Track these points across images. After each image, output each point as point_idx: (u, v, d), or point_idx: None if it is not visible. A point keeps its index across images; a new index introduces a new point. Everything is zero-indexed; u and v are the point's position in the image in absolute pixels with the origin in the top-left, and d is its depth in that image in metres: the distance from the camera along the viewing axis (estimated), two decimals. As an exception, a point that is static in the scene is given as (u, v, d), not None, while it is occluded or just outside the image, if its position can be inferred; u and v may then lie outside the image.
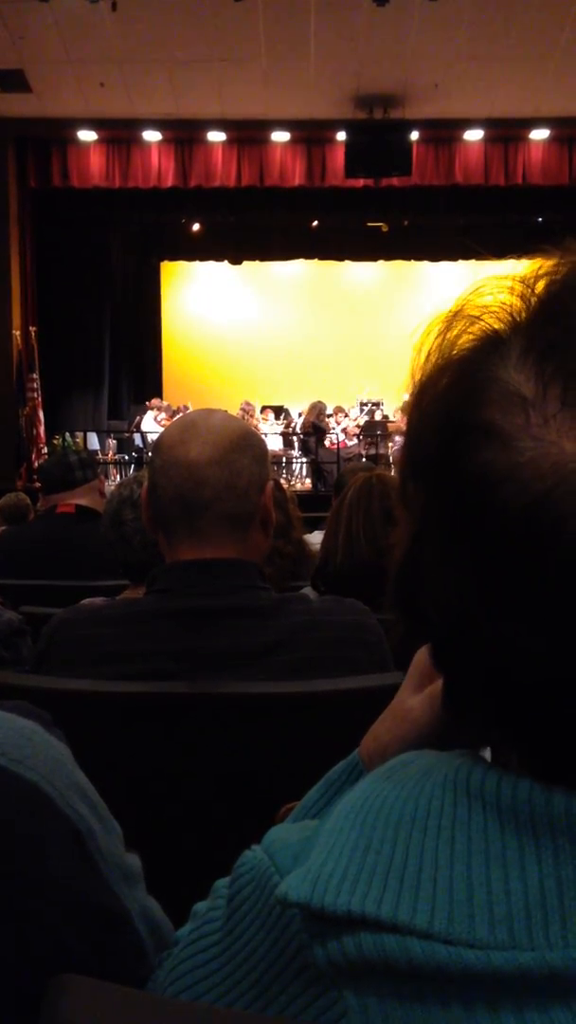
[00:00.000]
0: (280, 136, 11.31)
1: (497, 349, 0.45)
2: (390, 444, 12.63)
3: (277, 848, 0.52)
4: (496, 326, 0.47)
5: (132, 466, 12.07)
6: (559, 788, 0.43)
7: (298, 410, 13.45)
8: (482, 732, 0.51)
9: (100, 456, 11.83)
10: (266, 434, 11.59)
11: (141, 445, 12.48)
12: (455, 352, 0.48)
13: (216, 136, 11.28)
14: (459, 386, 0.46)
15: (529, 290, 0.46)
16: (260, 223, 13.82)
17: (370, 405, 13.59)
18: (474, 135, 11.31)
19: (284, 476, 12.12)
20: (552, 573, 0.41)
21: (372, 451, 12.14)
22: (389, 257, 15.16)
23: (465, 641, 0.45)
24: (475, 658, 0.45)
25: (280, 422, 13.64)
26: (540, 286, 0.46)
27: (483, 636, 0.44)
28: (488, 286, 0.48)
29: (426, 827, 0.45)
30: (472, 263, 15.15)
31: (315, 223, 13.95)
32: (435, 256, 15.04)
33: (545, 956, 0.40)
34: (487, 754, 0.51)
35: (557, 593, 0.41)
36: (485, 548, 0.43)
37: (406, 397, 0.50)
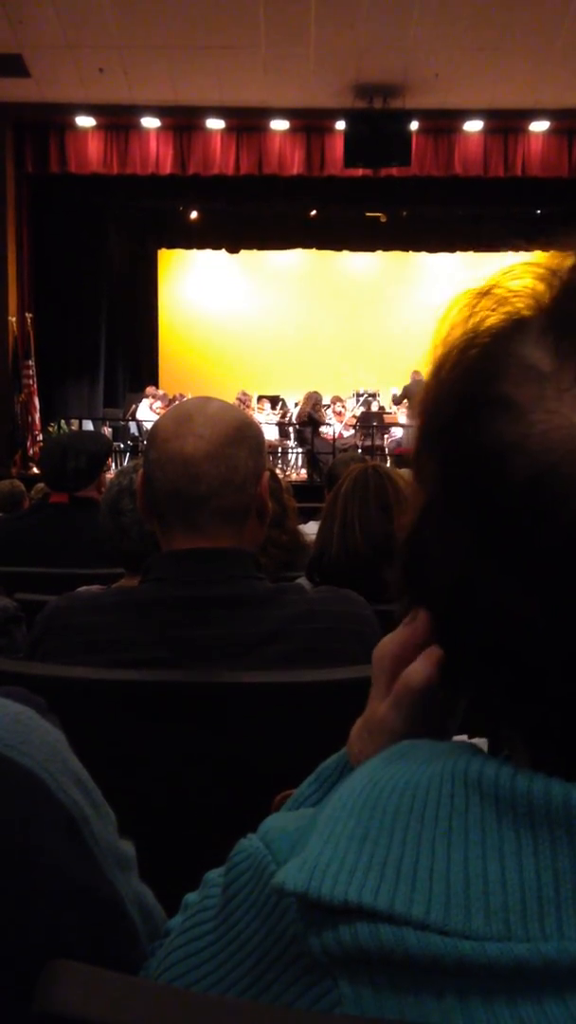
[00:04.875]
0: (279, 124, 11.26)
1: (519, 328, 0.47)
2: (386, 436, 12.63)
3: (274, 837, 0.51)
4: (520, 307, 0.48)
5: (127, 454, 12.05)
6: (557, 779, 0.43)
7: (294, 400, 13.44)
8: (475, 715, 0.51)
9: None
10: (262, 424, 11.56)
11: (136, 433, 12.45)
12: (479, 328, 0.49)
13: (215, 124, 11.22)
14: (480, 360, 0.47)
15: (553, 275, 0.48)
16: (258, 212, 13.77)
17: (366, 396, 13.58)
18: (474, 126, 11.27)
19: (279, 466, 12.11)
20: (554, 544, 0.42)
21: (368, 442, 12.13)
22: (387, 248, 15.12)
23: (466, 610, 0.46)
24: (475, 628, 0.46)
25: (276, 412, 13.62)
26: (564, 272, 0.48)
27: (484, 605, 0.45)
28: (517, 270, 0.50)
29: (423, 818, 0.45)
30: (470, 254, 15.14)
31: (313, 213, 13.90)
32: (433, 247, 15.00)
33: (540, 948, 0.40)
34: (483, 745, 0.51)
35: (557, 564, 0.42)
36: (490, 517, 0.44)
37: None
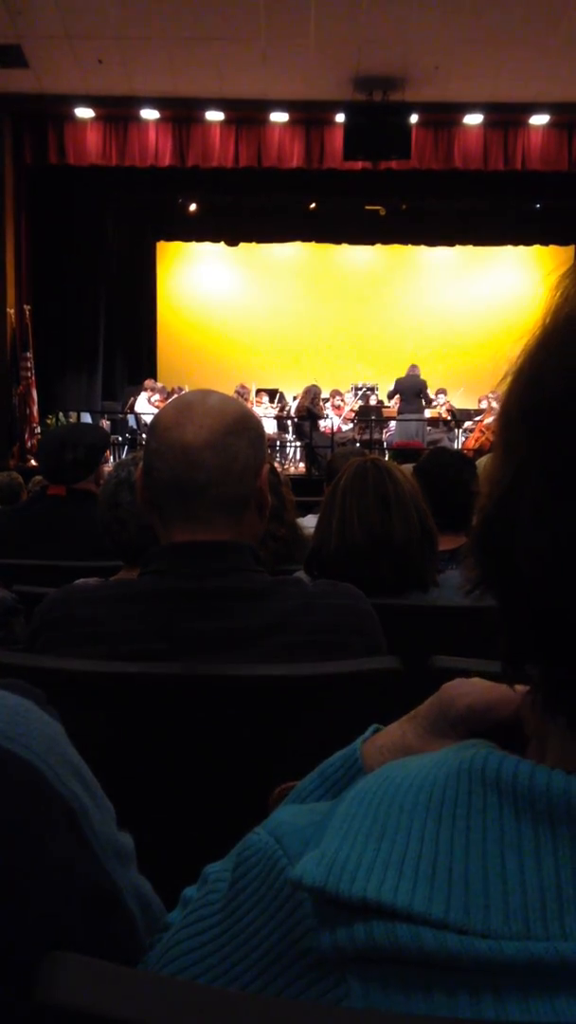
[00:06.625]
0: (279, 117, 11.23)
1: None
2: (385, 430, 12.62)
3: (285, 832, 0.51)
4: None
5: (125, 447, 12.05)
6: None
7: (293, 394, 13.43)
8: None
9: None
10: (260, 417, 11.54)
11: (135, 426, 12.45)
12: None
13: (214, 116, 11.19)
14: None
15: None
16: (257, 205, 13.76)
17: (365, 389, 13.56)
18: (474, 119, 11.25)
19: (278, 460, 12.11)
20: None
21: (366, 436, 12.13)
22: (386, 241, 15.11)
23: (554, 583, 0.44)
24: (562, 603, 0.44)
25: (274, 405, 13.62)
26: None
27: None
28: None
29: (440, 816, 0.44)
30: (469, 248, 15.13)
31: (313, 205, 13.90)
32: (432, 240, 15.00)
33: (557, 946, 0.40)
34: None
35: None
36: None
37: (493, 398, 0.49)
